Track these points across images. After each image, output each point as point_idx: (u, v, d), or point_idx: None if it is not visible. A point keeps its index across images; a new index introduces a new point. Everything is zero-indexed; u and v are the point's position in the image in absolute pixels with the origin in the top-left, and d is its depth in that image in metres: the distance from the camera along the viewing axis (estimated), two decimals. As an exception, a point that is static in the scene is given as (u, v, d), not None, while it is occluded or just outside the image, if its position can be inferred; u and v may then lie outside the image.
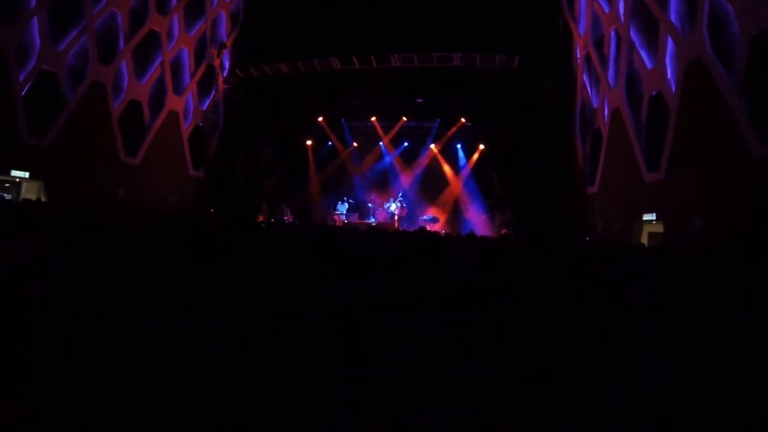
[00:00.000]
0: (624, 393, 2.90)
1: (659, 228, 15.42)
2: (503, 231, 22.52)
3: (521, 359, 3.36)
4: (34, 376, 2.86)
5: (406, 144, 27.05)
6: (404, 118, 26.03)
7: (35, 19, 16.13)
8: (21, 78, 15.91)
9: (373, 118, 26.26)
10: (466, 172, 26.01)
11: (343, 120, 26.99)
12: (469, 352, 3.50)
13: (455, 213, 26.28)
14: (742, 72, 11.61)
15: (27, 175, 16.58)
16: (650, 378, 3.01)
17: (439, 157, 26.45)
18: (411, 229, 18.84)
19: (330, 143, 27.59)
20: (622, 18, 17.11)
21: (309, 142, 27.17)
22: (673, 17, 14.45)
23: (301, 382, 3.02)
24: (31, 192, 16.97)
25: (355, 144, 27.44)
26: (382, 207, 25.89)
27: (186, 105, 23.14)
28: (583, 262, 7.24)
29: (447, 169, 26.42)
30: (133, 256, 5.62)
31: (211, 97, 24.49)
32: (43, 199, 16.60)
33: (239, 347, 3.39)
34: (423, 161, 26.81)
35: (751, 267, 5.64)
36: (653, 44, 15.62)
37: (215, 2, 23.74)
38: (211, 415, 2.67)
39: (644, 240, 16.35)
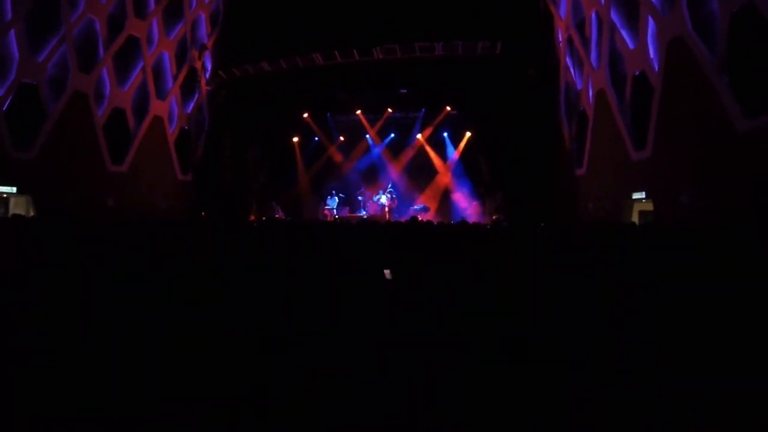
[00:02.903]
0: (621, 379, 2.95)
1: (649, 206, 15.57)
2: (494, 217, 22.64)
3: (514, 344, 3.40)
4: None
5: (392, 135, 26.98)
6: (389, 110, 26.02)
7: (12, 32, 15.92)
8: (2, 92, 15.71)
9: (358, 111, 26.23)
10: (454, 160, 26.04)
11: (328, 115, 26.90)
12: (459, 343, 3.53)
13: (445, 201, 26.31)
14: (724, 48, 11.73)
15: (14, 190, 16.44)
16: (646, 358, 3.07)
17: (427, 147, 26.42)
18: (402, 220, 18.93)
19: (316, 139, 27.52)
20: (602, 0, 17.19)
21: (295, 139, 27.07)
22: (652, -4, 14.54)
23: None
24: (19, 207, 16.79)
25: (341, 138, 27.38)
26: (372, 199, 25.89)
27: (170, 109, 22.98)
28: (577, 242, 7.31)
29: (435, 158, 26.42)
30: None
31: (195, 99, 24.35)
32: (32, 213, 16.48)
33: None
34: (410, 151, 26.78)
35: (741, 243, 5.72)
36: (634, 24, 15.72)
37: (194, 4, 23.54)
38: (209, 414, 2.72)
39: (635, 218, 16.50)
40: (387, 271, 4.92)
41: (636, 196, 15.94)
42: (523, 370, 3.04)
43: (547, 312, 3.83)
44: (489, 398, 2.83)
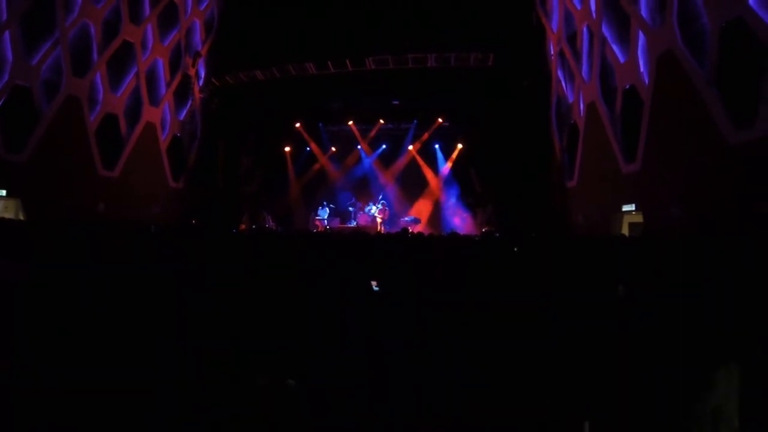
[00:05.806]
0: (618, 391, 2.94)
1: (639, 218, 15.70)
2: (485, 228, 22.70)
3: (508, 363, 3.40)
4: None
5: (384, 146, 27.06)
6: (381, 121, 26.14)
7: (7, 33, 15.87)
8: (-5, 94, 15.67)
9: (350, 122, 26.31)
10: (445, 171, 26.15)
11: (320, 124, 26.98)
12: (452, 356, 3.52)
13: (436, 213, 26.39)
14: (714, 62, 11.93)
15: (4, 193, 16.30)
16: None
17: (418, 158, 26.54)
18: (393, 231, 18.93)
19: (308, 148, 27.54)
20: (594, 14, 17.44)
21: (287, 148, 27.09)
22: (643, 11, 14.79)
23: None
24: (8, 210, 16.61)
25: (333, 148, 27.43)
26: (363, 210, 25.91)
27: (163, 116, 22.91)
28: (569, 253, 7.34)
29: (426, 169, 26.52)
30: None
31: (188, 106, 24.28)
32: (21, 217, 16.31)
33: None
34: (402, 163, 26.87)
35: (730, 252, 5.78)
36: (625, 38, 15.96)
37: (189, 11, 23.59)
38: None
39: (625, 230, 16.62)
40: (374, 283, 4.89)
41: (626, 208, 16.08)
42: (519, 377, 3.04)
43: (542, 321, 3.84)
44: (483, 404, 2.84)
